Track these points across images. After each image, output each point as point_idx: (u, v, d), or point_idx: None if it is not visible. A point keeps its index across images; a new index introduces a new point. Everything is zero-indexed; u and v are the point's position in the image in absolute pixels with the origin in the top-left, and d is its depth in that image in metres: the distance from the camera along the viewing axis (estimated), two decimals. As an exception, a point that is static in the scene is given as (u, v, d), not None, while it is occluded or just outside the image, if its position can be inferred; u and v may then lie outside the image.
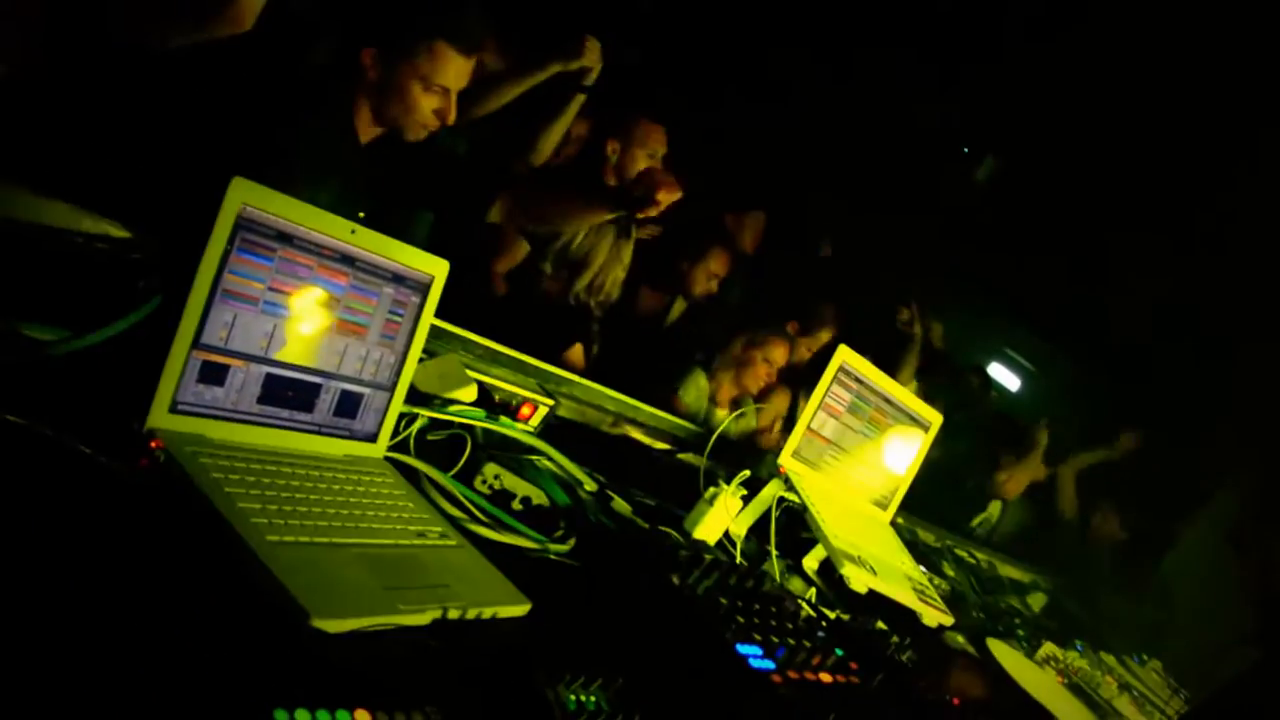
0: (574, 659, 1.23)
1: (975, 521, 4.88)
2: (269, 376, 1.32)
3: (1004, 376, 8.00)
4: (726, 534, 2.05)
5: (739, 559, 1.99)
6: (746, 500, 2.07)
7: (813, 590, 2.10)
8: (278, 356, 1.32)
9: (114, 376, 1.23)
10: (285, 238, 1.27)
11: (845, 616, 1.98)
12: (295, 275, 1.30)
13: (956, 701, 1.77)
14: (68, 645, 0.87)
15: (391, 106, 2.22)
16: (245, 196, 1.20)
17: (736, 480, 2.01)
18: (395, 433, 1.52)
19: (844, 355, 2.28)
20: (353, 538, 1.25)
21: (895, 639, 1.86)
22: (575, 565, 1.56)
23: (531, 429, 1.92)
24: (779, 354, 3.65)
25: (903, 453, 2.48)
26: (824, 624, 1.77)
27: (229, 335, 1.25)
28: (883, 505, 2.52)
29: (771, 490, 2.15)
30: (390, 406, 1.48)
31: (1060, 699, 2.37)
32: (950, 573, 2.98)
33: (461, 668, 1.13)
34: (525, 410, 1.95)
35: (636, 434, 2.47)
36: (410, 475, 1.51)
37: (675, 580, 1.53)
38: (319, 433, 1.41)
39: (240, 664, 0.96)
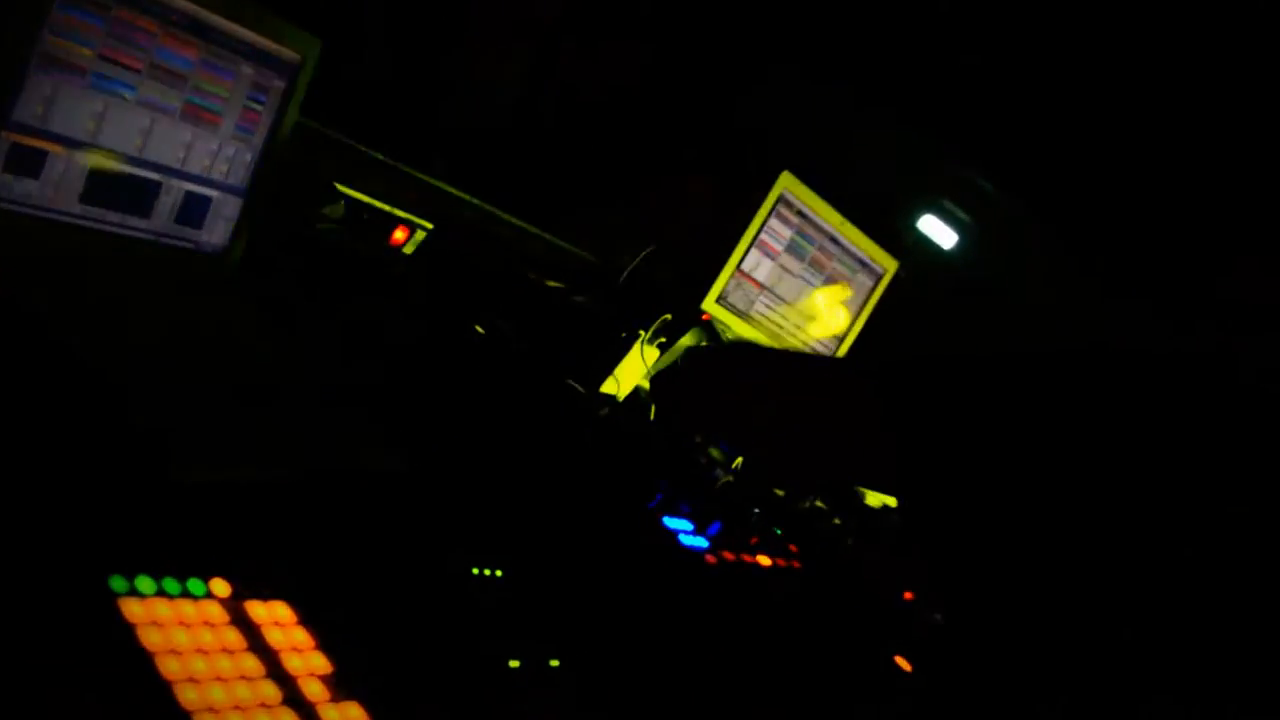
0: (469, 524, 1.22)
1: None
2: (96, 169, 1.22)
3: (938, 232, 8.01)
4: (637, 390, 2.04)
5: (653, 417, 1.98)
6: (664, 350, 2.05)
7: (738, 460, 2.11)
8: (108, 144, 1.22)
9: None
10: (120, -9, 1.15)
11: (779, 491, 2.00)
12: (132, 42, 1.19)
13: (909, 595, 1.83)
14: None
15: None
16: (69, -68, 1.08)
17: (654, 327, 1.99)
18: (249, 249, 1.44)
19: (786, 183, 2.24)
20: (206, 371, 1.19)
21: (837, 520, 1.89)
22: (463, 415, 1.54)
23: (407, 256, 1.87)
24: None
25: (848, 304, 2.48)
26: (758, 499, 1.78)
27: (47, 112, 1.15)
28: (817, 364, 2.53)
29: (690, 340, 2.13)
30: (243, 216, 1.40)
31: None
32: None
33: (337, 529, 1.10)
34: (399, 234, 1.88)
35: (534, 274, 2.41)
36: (266, 301, 1.45)
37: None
38: (158, 243, 1.32)
39: (70, 518, 0.90)
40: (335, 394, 1.34)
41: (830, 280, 2.46)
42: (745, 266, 2.26)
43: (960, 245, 8.48)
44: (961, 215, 8.42)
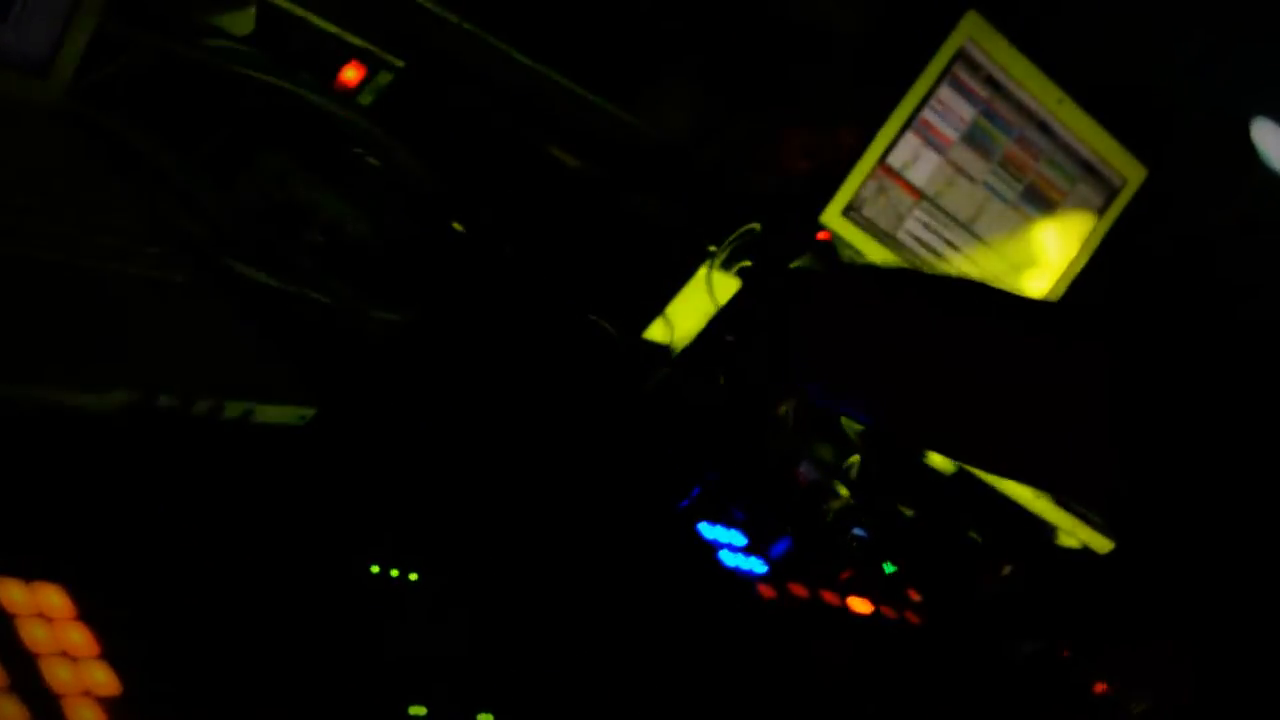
0: (383, 500, 1.23)
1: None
2: None
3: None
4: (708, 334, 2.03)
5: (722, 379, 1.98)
6: (747, 280, 2.05)
7: (855, 458, 2.10)
8: None
9: None
10: None
11: (908, 511, 1.99)
12: None
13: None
14: None
15: None
16: None
17: (730, 242, 1.98)
18: (90, 67, 1.45)
19: (971, 29, 2.20)
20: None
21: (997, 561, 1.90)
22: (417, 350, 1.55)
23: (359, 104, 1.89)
24: None
25: (1062, 230, 2.45)
26: (868, 517, 1.78)
27: None
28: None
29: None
30: (77, 14, 1.41)
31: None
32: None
33: (166, 486, 1.10)
34: (350, 72, 1.90)
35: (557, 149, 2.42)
36: (112, 149, 1.47)
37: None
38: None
39: None
40: (217, 299, 1.36)
41: (1034, 191, 2.42)
42: (894, 161, 2.24)
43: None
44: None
